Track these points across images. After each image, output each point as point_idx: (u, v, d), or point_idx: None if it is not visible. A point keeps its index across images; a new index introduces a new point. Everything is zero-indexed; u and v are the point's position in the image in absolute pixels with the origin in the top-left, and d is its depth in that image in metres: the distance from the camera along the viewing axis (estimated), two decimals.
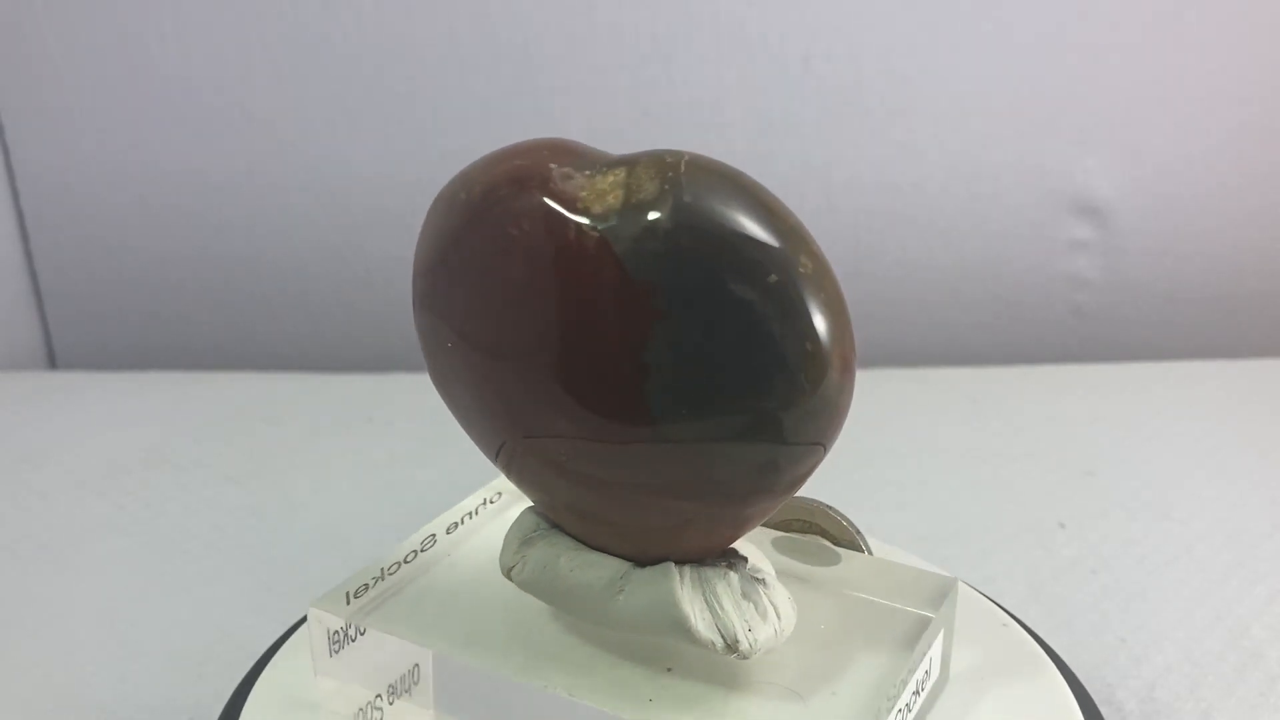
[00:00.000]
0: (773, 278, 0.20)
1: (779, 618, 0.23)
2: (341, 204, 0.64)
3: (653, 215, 0.21)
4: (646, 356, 0.21)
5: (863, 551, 0.27)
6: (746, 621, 0.23)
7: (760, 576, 0.24)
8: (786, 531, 0.28)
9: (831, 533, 0.27)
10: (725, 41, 0.59)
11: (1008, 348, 0.64)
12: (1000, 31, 0.59)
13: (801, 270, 0.21)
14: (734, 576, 0.23)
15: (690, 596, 0.23)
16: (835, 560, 0.27)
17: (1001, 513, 0.43)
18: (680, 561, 0.24)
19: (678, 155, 0.21)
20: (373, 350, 0.66)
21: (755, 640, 0.23)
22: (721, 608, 0.23)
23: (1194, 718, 0.31)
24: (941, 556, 0.39)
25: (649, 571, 0.24)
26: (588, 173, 0.22)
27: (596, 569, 0.24)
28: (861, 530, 0.27)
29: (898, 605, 0.26)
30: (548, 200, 0.22)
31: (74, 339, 0.69)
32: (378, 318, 0.66)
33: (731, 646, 0.23)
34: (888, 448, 0.50)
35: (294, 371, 0.64)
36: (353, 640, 0.27)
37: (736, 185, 0.21)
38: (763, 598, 0.23)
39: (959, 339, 0.65)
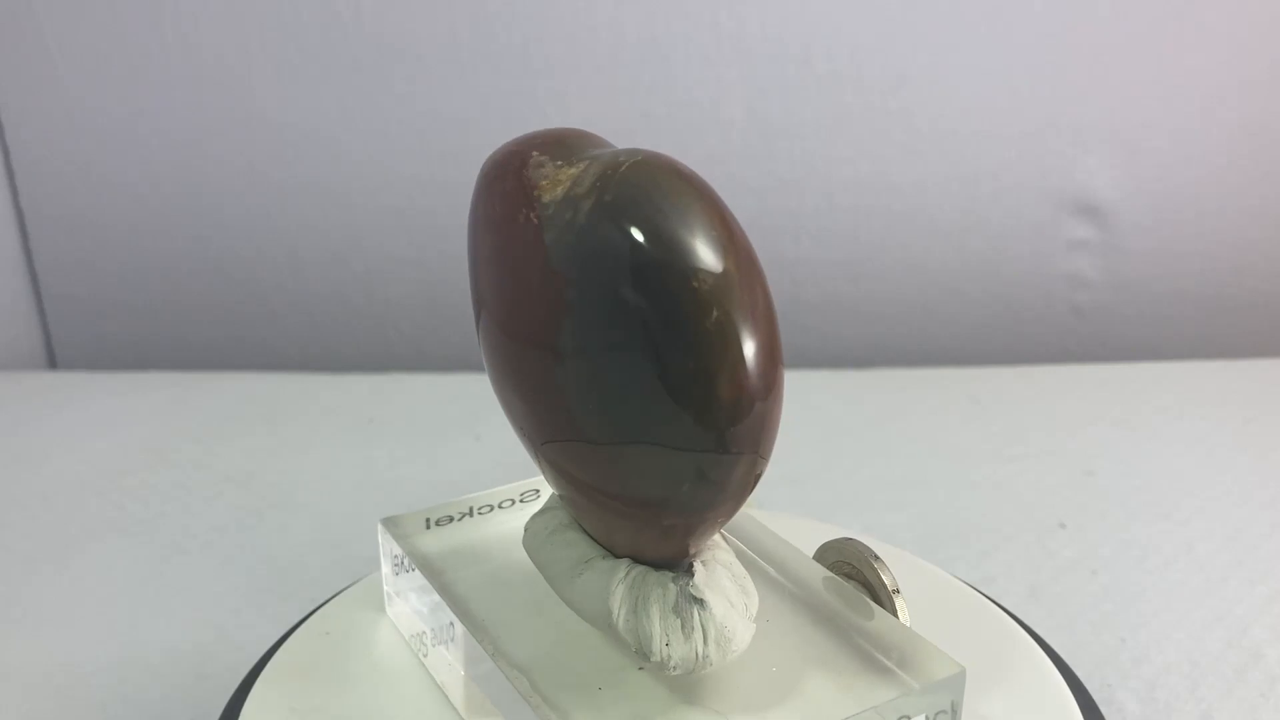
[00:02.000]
0: (665, 287, 0.20)
1: (706, 641, 0.23)
2: (341, 204, 0.64)
3: (577, 210, 0.21)
4: (559, 346, 0.22)
5: (892, 612, 0.26)
6: (667, 635, 0.23)
7: (700, 596, 0.23)
8: (834, 572, 0.27)
9: (873, 584, 0.27)
10: (725, 41, 0.59)
11: (1008, 348, 0.64)
12: (1000, 31, 0.59)
13: (696, 284, 0.20)
14: (672, 589, 0.23)
15: (624, 595, 0.23)
16: (869, 616, 0.26)
17: (1001, 513, 0.43)
18: (641, 561, 0.24)
19: (634, 155, 0.22)
20: (373, 350, 0.66)
21: (669, 655, 0.23)
22: (647, 614, 0.23)
23: (1194, 718, 0.31)
24: (941, 556, 0.39)
25: (608, 563, 0.24)
26: (559, 163, 0.23)
27: (571, 548, 0.25)
28: (899, 591, 0.26)
29: (893, 668, 0.25)
30: (519, 184, 0.23)
31: (74, 339, 0.69)
32: (378, 318, 0.66)
33: (644, 654, 0.23)
34: (888, 448, 0.50)
35: (294, 371, 0.64)
36: (409, 571, 0.28)
37: (666, 192, 0.21)
38: (694, 618, 0.23)
39: (959, 339, 0.65)
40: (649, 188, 0.21)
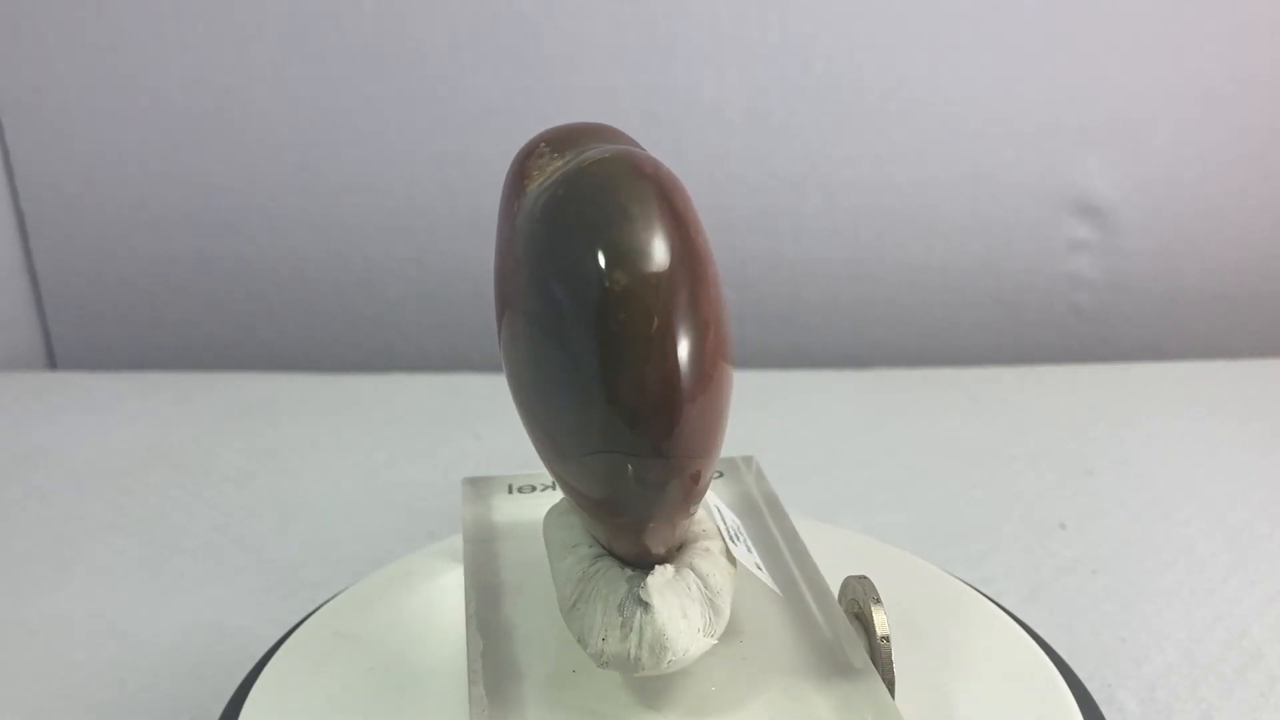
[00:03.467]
0: (580, 283, 0.20)
1: (641, 645, 0.23)
2: (341, 204, 0.64)
3: (536, 201, 0.22)
4: (515, 333, 0.22)
5: (883, 659, 0.26)
6: (605, 630, 0.23)
7: (647, 600, 0.23)
8: (847, 610, 0.27)
9: (869, 628, 0.26)
10: (725, 41, 0.59)
11: (1008, 348, 0.64)
12: (1000, 32, 0.59)
13: (609, 284, 0.20)
14: (623, 588, 0.23)
15: (579, 583, 0.24)
16: (851, 671, 0.25)
17: (1001, 513, 0.43)
18: (615, 557, 0.24)
19: (604, 153, 0.22)
20: (373, 350, 0.66)
21: (603, 651, 0.23)
22: (592, 607, 0.23)
23: (1194, 718, 0.31)
24: (942, 557, 0.39)
25: (588, 550, 0.24)
26: (555, 155, 0.23)
27: (567, 532, 0.25)
28: (890, 639, 0.25)
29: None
30: (518, 173, 0.24)
31: (74, 339, 0.69)
32: (378, 318, 0.66)
33: (582, 644, 0.23)
34: (888, 448, 0.50)
35: (294, 371, 0.64)
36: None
37: (614, 190, 0.21)
38: (635, 619, 0.23)
39: (959, 339, 0.65)
40: (598, 185, 0.21)
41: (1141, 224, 0.62)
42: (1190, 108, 0.60)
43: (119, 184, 0.65)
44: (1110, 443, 0.49)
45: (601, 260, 0.20)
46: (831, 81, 0.60)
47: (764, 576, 0.26)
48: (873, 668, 0.25)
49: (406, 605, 0.30)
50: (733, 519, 0.28)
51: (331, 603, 0.32)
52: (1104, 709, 0.28)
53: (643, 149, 0.24)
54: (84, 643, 0.36)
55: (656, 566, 0.23)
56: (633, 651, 0.23)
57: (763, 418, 0.53)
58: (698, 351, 0.21)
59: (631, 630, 0.23)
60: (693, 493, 0.22)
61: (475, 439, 0.52)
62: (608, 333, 0.20)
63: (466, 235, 0.63)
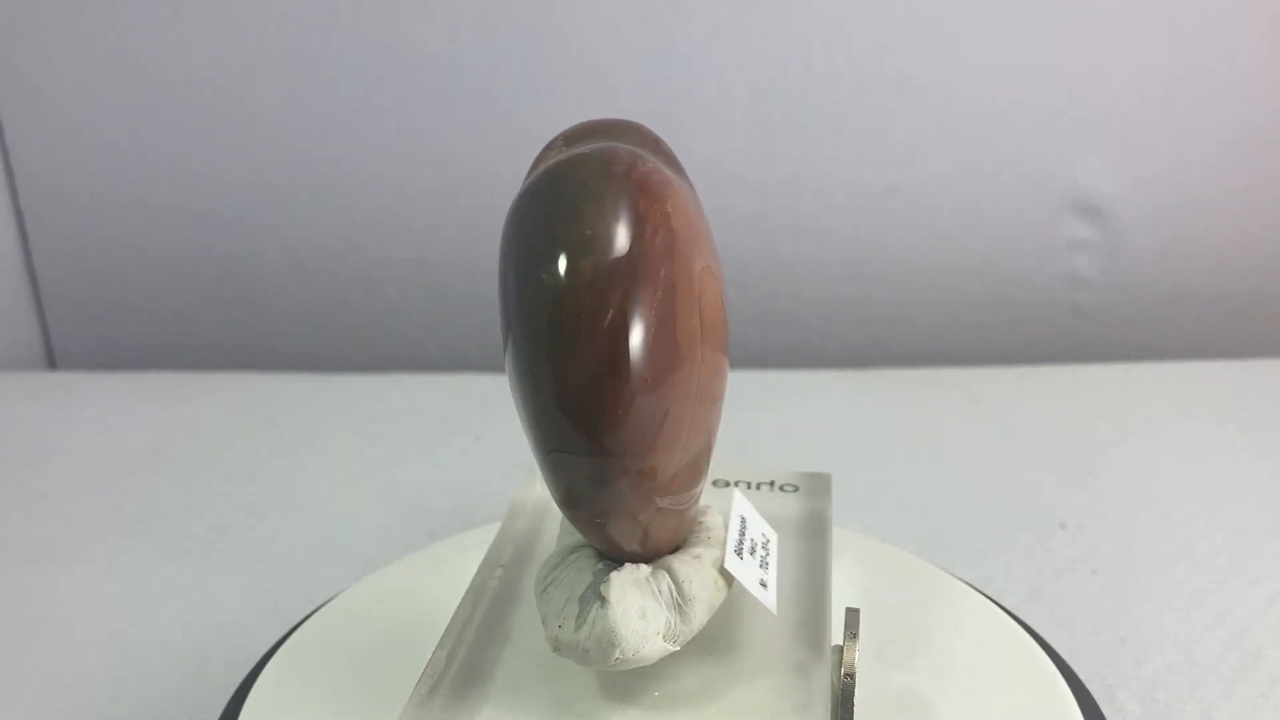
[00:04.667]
0: (522, 278, 0.21)
1: (591, 637, 0.23)
2: (341, 204, 0.64)
3: (523, 186, 0.22)
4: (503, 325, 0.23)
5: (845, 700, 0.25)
6: (562, 618, 0.23)
7: (605, 596, 0.23)
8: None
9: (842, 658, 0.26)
10: (725, 41, 0.59)
11: (1008, 348, 0.64)
12: (1000, 32, 0.59)
13: (545, 277, 0.21)
14: (587, 580, 0.24)
15: (556, 570, 0.24)
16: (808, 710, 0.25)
17: (1001, 513, 0.43)
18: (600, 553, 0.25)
19: (585, 149, 0.22)
20: (373, 350, 0.66)
21: (558, 638, 0.23)
22: (555, 593, 0.24)
23: (1194, 718, 0.31)
24: (942, 557, 0.39)
25: (573, 539, 0.25)
26: (562, 148, 0.23)
27: (569, 534, 0.26)
28: (854, 677, 0.25)
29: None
30: (533, 164, 0.24)
31: (74, 339, 0.69)
32: (378, 318, 0.66)
33: (544, 624, 0.24)
34: (888, 448, 0.50)
35: (294, 371, 0.64)
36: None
37: (577, 186, 0.21)
38: (590, 612, 0.23)
39: (959, 339, 0.65)
40: (556, 181, 0.21)
41: (1141, 224, 0.62)
42: (1190, 108, 0.60)
43: (119, 183, 0.65)
44: (1110, 443, 0.49)
45: (541, 256, 0.21)
46: (831, 81, 0.60)
47: (763, 595, 0.25)
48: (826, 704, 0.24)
49: (407, 605, 0.30)
50: (763, 533, 0.27)
51: (331, 603, 0.32)
52: (1104, 709, 0.28)
53: (657, 146, 0.24)
54: (84, 643, 0.36)
55: (628, 564, 0.24)
56: (583, 643, 0.23)
57: (763, 418, 0.53)
58: (634, 350, 0.21)
59: (585, 622, 0.23)
60: (647, 488, 0.22)
61: (475, 439, 0.52)
62: (541, 330, 0.21)
63: (466, 235, 0.63)
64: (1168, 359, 0.62)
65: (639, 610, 0.23)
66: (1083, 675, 0.30)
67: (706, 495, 0.26)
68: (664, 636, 0.23)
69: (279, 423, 0.55)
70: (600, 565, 0.24)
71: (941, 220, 0.62)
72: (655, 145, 0.25)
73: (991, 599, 0.31)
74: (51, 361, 0.70)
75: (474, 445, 0.51)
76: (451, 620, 0.27)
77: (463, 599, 0.27)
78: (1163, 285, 0.63)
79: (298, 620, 0.32)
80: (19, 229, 0.66)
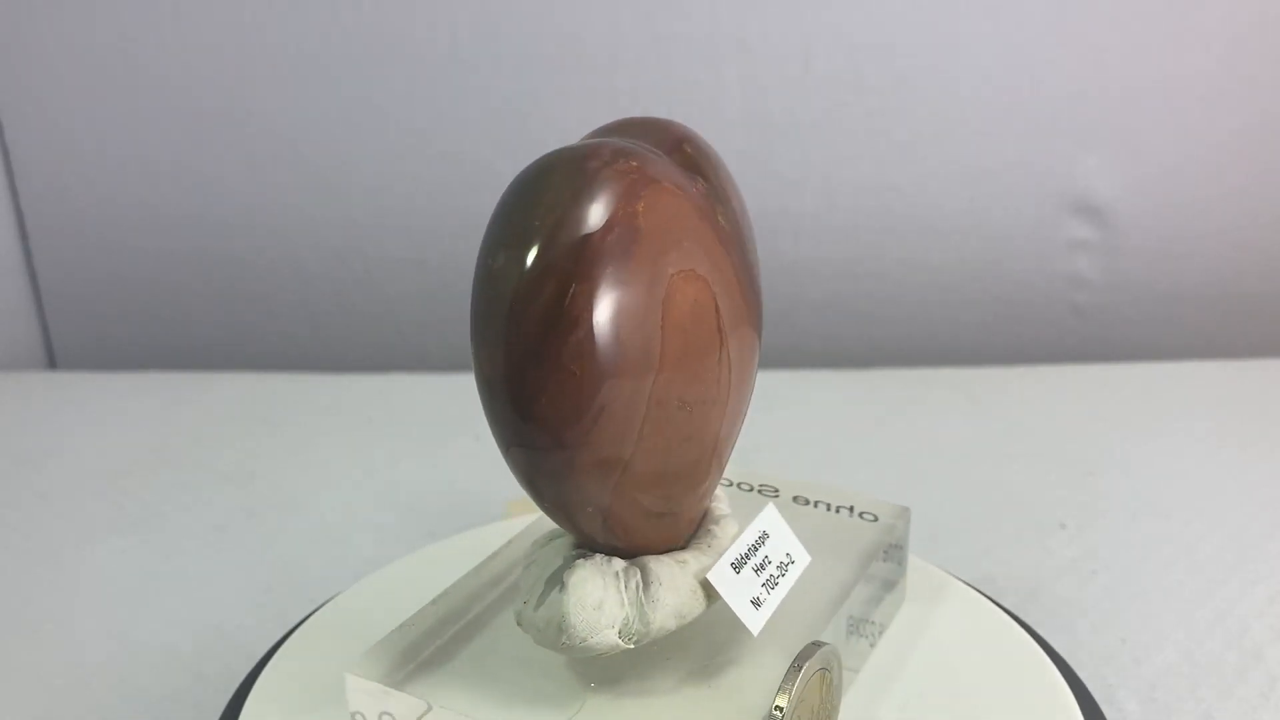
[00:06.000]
0: (479, 263, 0.22)
1: (545, 618, 0.24)
2: (341, 204, 0.64)
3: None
4: None
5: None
6: (528, 595, 0.24)
7: (565, 581, 0.23)
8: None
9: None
10: (725, 41, 0.59)
11: (1008, 348, 0.64)
12: (1000, 32, 0.59)
13: (491, 262, 0.22)
14: (557, 565, 0.24)
15: (538, 549, 0.25)
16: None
17: (1001, 513, 0.43)
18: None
19: (578, 144, 0.23)
20: (373, 350, 0.66)
21: (522, 612, 0.24)
22: (534, 571, 0.25)
23: (1194, 718, 0.31)
24: (942, 557, 0.39)
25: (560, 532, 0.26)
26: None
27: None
28: (782, 713, 0.24)
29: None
30: None
31: (74, 339, 0.69)
32: (378, 318, 0.66)
33: (517, 598, 0.25)
34: (888, 448, 0.50)
35: (294, 371, 0.64)
36: None
37: (548, 181, 0.22)
38: (550, 595, 0.24)
39: (959, 339, 0.65)
40: (541, 171, 0.22)
41: (1141, 224, 0.62)
42: (1190, 108, 0.60)
43: (119, 184, 0.65)
44: (1110, 443, 0.49)
45: (494, 243, 0.22)
46: (831, 81, 0.60)
47: (749, 613, 0.25)
48: None
49: (407, 605, 0.30)
50: (786, 554, 0.26)
51: (331, 603, 0.32)
52: (1104, 709, 0.28)
53: (678, 147, 0.24)
54: (84, 643, 0.36)
55: (601, 555, 0.24)
56: (537, 622, 0.24)
57: (763, 418, 0.53)
58: (559, 341, 0.21)
59: (543, 603, 0.24)
60: (599, 481, 0.22)
61: (475, 439, 0.52)
62: (480, 312, 0.22)
63: (466, 235, 0.63)
64: (1167, 359, 0.62)
65: (595, 601, 0.23)
66: (1083, 675, 0.30)
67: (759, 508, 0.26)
68: (620, 632, 0.24)
69: (279, 423, 0.55)
70: (577, 552, 0.24)
71: (941, 220, 0.62)
72: (676, 146, 0.25)
73: (992, 599, 0.31)
74: (51, 361, 0.70)
75: (474, 445, 0.51)
76: (456, 584, 0.28)
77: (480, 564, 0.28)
78: (1162, 285, 0.63)
79: (298, 620, 0.32)
80: (19, 229, 0.66)
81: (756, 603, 0.25)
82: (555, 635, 0.23)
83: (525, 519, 0.31)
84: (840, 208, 0.62)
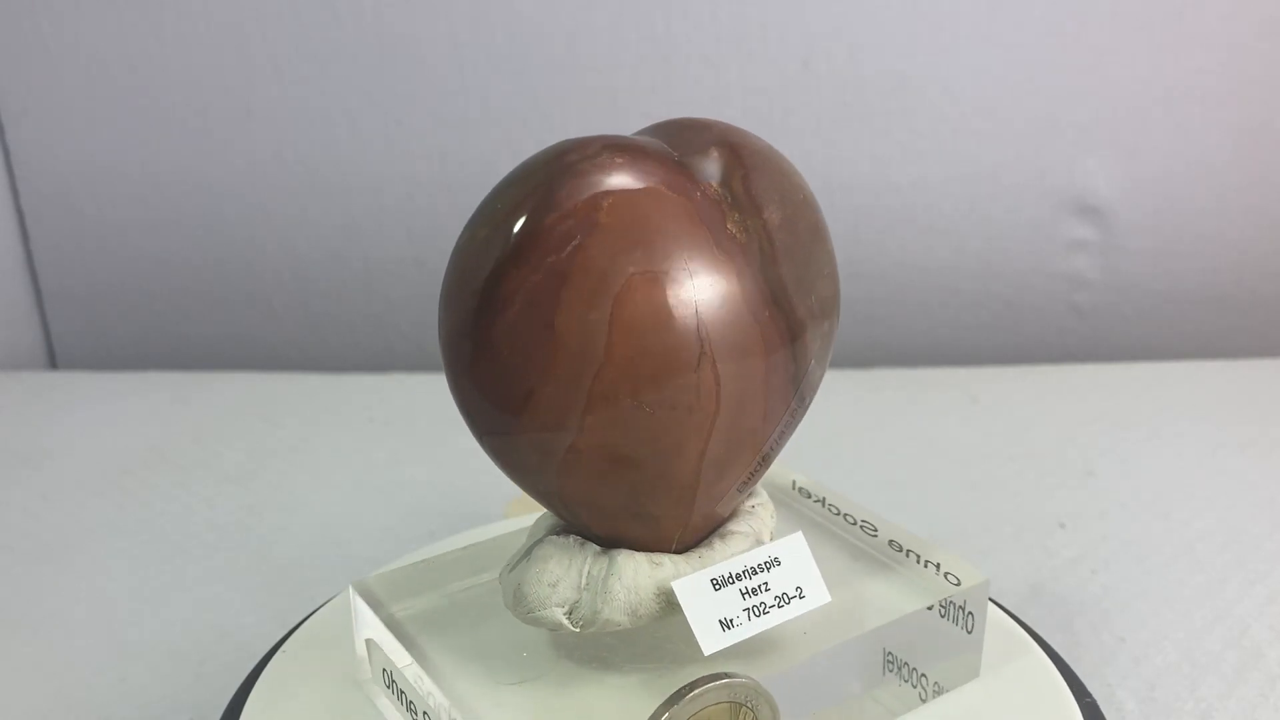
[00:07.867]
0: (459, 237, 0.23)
1: (507, 581, 0.25)
2: (341, 204, 0.64)
3: None
4: None
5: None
6: (514, 562, 0.25)
7: (530, 554, 0.25)
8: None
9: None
10: (725, 41, 0.59)
11: (1008, 348, 0.64)
12: (1000, 32, 0.59)
13: (460, 240, 0.23)
14: (539, 537, 0.25)
15: (538, 520, 0.27)
16: None
17: (1001, 513, 0.43)
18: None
19: (585, 136, 0.24)
20: (373, 350, 0.66)
21: (501, 574, 0.26)
22: (524, 538, 0.26)
23: (1194, 718, 0.31)
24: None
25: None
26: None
27: None
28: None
29: None
30: None
31: (74, 339, 0.69)
32: (378, 318, 0.66)
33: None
34: (888, 448, 0.50)
35: (294, 371, 0.64)
36: None
37: (531, 166, 0.23)
38: (521, 563, 0.25)
39: (959, 339, 0.65)
40: (533, 161, 0.23)
41: (1141, 224, 0.62)
42: (1190, 108, 0.60)
43: (119, 184, 0.65)
44: (1110, 443, 0.49)
45: (469, 223, 0.23)
46: (831, 81, 0.60)
47: (707, 632, 0.24)
48: None
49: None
50: (796, 586, 0.25)
51: (332, 602, 0.32)
52: (1104, 709, 0.28)
53: (704, 149, 0.24)
54: (84, 643, 0.36)
55: (576, 536, 0.25)
56: (508, 586, 0.25)
57: None
58: (490, 321, 0.22)
59: (513, 569, 0.25)
60: (555, 460, 0.23)
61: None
62: (443, 282, 0.24)
63: None
64: (1167, 359, 0.62)
65: (552, 579, 0.24)
66: (1083, 675, 0.30)
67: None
68: (569, 614, 0.24)
69: (279, 423, 0.55)
70: (559, 530, 0.26)
71: (941, 220, 0.62)
72: (705, 149, 0.24)
73: (991, 599, 0.31)
74: (51, 361, 0.70)
75: (474, 445, 0.51)
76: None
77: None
78: (1162, 285, 0.63)
79: (298, 620, 0.32)
80: (19, 229, 0.66)
81: (726, 624, 0.24)
82: (510, 601, 0.25)
83: (524, 519, 0.31)
84: (840, 208, 0.62)
